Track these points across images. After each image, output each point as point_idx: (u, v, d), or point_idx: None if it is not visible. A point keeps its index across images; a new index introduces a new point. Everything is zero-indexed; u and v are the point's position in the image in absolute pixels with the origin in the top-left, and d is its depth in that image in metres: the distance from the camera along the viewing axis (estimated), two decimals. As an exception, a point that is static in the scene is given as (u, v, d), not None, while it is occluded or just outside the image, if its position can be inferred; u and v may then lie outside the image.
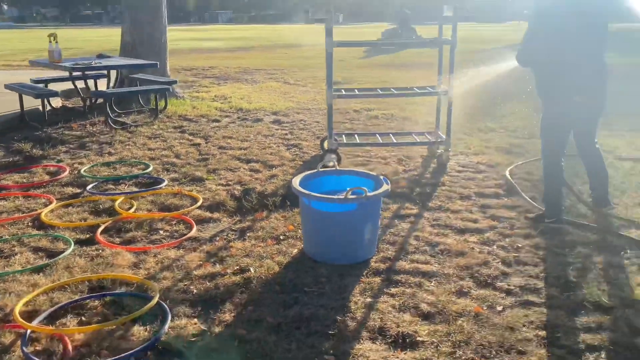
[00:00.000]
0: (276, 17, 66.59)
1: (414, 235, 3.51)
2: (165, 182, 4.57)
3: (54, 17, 74.94)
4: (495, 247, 3.34)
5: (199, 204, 4.03)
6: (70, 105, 7.48)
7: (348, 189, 2.90)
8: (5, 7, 78.37)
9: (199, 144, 5.88)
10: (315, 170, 3.38)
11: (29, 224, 3.70)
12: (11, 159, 5.23)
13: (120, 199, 4.09)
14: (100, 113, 6.95)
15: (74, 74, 6.80)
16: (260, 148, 5.73)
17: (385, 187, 3.07)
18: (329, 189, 3.33)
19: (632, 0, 4.00)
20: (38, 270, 3.00)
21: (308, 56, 16.54)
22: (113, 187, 4.51)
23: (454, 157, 5.35)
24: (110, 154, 5.47)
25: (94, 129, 6.43)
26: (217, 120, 7.14)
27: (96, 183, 4.51)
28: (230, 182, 4.60)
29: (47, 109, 6.68)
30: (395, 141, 5.32)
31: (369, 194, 2.92)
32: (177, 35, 34.39)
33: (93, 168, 4.98)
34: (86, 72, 6.63)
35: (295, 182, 3.14)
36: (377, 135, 5.57)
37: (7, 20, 67.31)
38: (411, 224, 3.70)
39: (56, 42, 6.62)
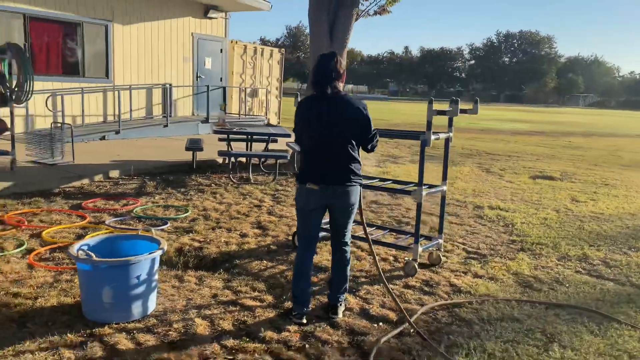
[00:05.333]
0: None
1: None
2: (166, 226, 5.35)
3: (424, 92, 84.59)
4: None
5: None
6: (233, 161, 8.96)
7: (81, 247, 3.12)
8: (390, 84, 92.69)
9: (261, 206, 6.40)
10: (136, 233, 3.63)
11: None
12: (127, 190, 6.90)
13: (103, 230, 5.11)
14: (243, 169, 8.23)
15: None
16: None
17: (133, 258, 3.12)
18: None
19: None
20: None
21: (593, 147, 14.59)
22: (132, 223, 5.53)
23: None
24: (189, 199, 6.56)
25: (220, 181, 7.70)
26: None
27: (122, 218, 5.63)
28: (206, 240, 5.01)
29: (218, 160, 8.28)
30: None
31: (95, 258, 3.06)
32: (494, 115, 34.46)
33: (149, 207, 6.14)
34: (230, 136, 8.01)
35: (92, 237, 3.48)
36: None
37: (385, 94, 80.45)
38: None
39: (224, 111, 8.25)
